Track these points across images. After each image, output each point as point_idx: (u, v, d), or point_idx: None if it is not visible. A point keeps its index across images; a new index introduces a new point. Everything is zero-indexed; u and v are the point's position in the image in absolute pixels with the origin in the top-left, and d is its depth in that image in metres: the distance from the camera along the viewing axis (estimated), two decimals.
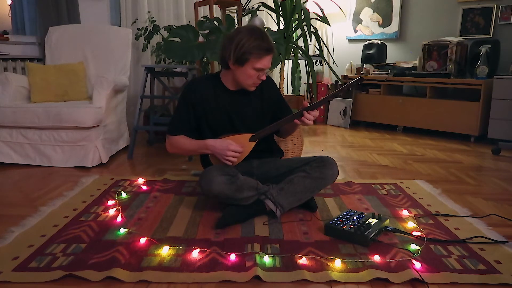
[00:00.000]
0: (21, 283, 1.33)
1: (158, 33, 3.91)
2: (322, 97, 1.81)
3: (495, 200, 2.20)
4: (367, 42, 4.75)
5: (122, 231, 1.71)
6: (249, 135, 1.89)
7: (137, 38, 3.89)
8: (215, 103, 1.92)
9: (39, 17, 3.51)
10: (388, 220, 1.74)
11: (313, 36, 2.80)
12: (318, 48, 2.89)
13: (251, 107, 1.96)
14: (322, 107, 4.87)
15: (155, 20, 3.94)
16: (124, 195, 2.18)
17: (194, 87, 1.93)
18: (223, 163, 1.87)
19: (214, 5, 3.34)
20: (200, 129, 1.96)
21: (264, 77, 1.86)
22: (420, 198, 2.18)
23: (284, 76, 3.06)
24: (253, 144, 1.90)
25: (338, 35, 5.20)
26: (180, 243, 1.60)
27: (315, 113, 1.79)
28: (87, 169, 2.73)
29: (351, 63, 4.87)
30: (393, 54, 4.77)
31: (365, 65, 4.64)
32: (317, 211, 1.95)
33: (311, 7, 3.42)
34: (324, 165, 1.88)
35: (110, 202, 2.06)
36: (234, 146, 1.83)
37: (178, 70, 3.55)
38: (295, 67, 3.07)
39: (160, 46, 3.83)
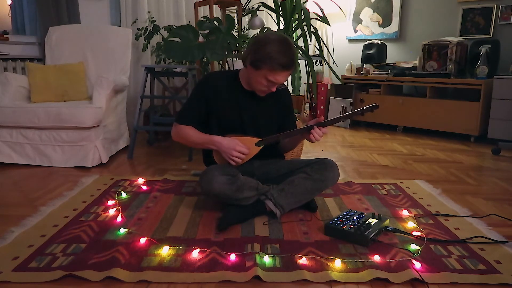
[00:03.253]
0: (21, 283, 1.33)
1: (158, 33, 3.91)
2: (336, 116, 1.80)
3: (495, 200, 2.20)
4: (367, 42, 4.75)
5: (122, 231, 1.71)
6: (256, 140, 1.88)
7: (137, 38, 3.89)
8: (228, 99, 1.90)
9: (39, 17, 3.51)
10: (388, 220, 1.74)
11: (313, 36, 2.80)
12: (318, 48, 2.89)
13: (264, 111, 1.94)
14: (322, 106, 4.87)
15: (155, 20, 3.94)
16: (124, 195, 2.18)
17: (210, 80, 1.92)
18: (227, 161, 1.86)
19: (214, 5, 3.34)
20: (208, 124, 1.94)
21: (274, 89, 1.81)
22: (420, 198, 2.18)
23: None
24: (258, 149, 1.89)
25: (338, 35, 5.20)
26: (180, 243, 1.60)
27: (325, 130, 1.79)
28: (87, 169, 2.73)
29: (351, 63, 4.86)
30: (393, 54, 4.77)
31: (365, 65, 4.63)
32: (317, 211, 1.95)
33: (311, 7, 3.43)
34: (325, 167, 1.88)
35: (110, 202, 2.06)
36: (241, 147, 1.82)
37: (178, 70, 3.55)
38: (295, 67, 3.07)
39: (160, 46, 3.83)
